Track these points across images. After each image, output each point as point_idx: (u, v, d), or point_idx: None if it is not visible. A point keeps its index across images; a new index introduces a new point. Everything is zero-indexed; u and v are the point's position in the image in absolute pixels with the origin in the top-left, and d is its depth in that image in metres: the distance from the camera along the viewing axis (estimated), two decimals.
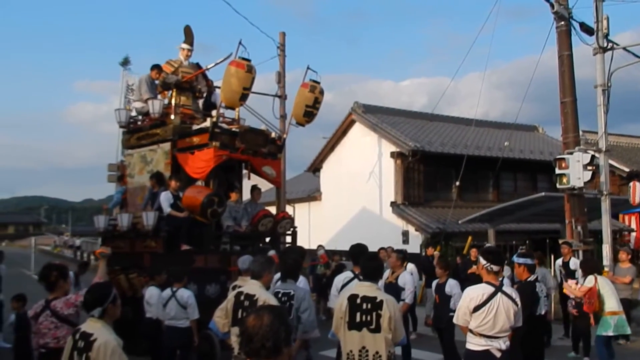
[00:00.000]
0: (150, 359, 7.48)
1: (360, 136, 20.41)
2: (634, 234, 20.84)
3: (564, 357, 8.69)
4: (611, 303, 7.48)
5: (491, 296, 4.42)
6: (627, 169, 22.01)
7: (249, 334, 2.34)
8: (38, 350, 4.66)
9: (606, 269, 10.97)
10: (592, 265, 8.14)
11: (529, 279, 5.85)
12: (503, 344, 4.40)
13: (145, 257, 8.71)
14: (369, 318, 4.35)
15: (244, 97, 8.83)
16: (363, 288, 4.50)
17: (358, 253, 5.65)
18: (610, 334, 7.45)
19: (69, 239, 51.97)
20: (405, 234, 17.34)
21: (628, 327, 7.62)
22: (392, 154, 18.61)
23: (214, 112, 9.38)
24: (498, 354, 4.38)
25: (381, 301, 4.36)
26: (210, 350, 7.73)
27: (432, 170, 19.08)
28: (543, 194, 13.73)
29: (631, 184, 13.04)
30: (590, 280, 7.57)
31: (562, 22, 11.86)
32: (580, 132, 12.77)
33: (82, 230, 58.81)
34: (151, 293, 7.38)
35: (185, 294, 6.99)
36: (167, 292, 7.06)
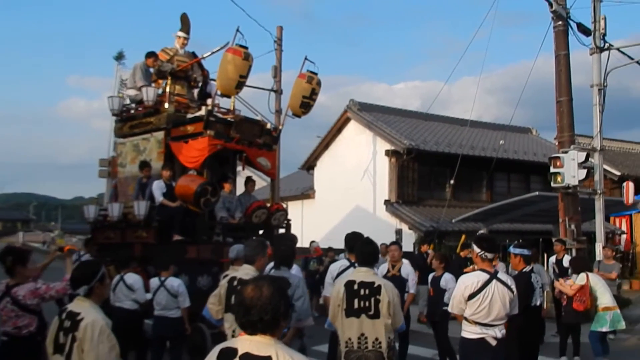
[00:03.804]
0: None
1: (355, 134, 20.33)
2: (624, 236, 20.92)
3: (557, 353, 8.63)
4: (605, 299, 7.47)
5: (486, 283, 4.36)
6: (618, 173, 22.10)
7: (246, 305, 2.23)
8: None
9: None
10: (583, 263, 8.12)
11: (524, 270, 5.81)
12: (499, 332, 4.33)
13: (137, 247, 8.57)
14: (367, 304, 4.26)
15: (240, 85, 8.71)
16: (360, 274, 4.41)
17: (354, 241, 5.54)
18: (606, 329, 7.42)
19: (57, 235, 51.37)
20: (399, 232, 17.25)
21: (623, 322, 7.60)
22: (387, 152, 18.54)
23: (209, 101, 9.26)
24: (494, 342, 4.31)
25: (379, 286, 4.27)
26: (201, 342, 7.61)
27: (427, 169, 19.03)
28: (537, 193, 13.70)
29: (625, 184, 13.09)
30: (582, 278, 7.54)
31: (560, 22, 11.88)
32: None
33: (72, 228, 58.22)
34: (134, 278, 7.11)
35: (175, 282, 6.86)
36: (155, 281, 6.92)
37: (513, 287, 4.42)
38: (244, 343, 2.23)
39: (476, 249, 4.53)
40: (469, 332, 4.40)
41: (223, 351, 2.27)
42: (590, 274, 7.66)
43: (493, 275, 4.39)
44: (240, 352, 2.21)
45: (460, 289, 4.43)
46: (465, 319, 4.40)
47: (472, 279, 4.42)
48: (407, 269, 7.59)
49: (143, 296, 7.02)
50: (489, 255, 4.46)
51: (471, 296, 4.33)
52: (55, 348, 3.40)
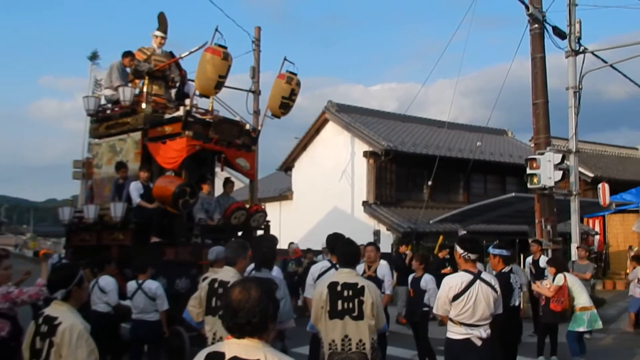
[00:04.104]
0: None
1: (333, 135, 20.33)
2: (597, 237, 21.31)
3: (534, 353, 8.72)
4: (582, 299, 7.59)
5: (470, 284, 4.36)
6: (591, 175, 22.50)
7: (233, 308, 2.17)
8: None
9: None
10: (560, 264, 8.22)
11: (503, 270, 5.84)
12: (484, 332, 4.34)
13: (113, 250, 8.42)
14: (351, 305, 4.22)
15: (219, 86, 8.63)
16: (343, 275, 4.38)
17: (335, 242, 5.52)
18: (583, 329, 7.52)
19: (29, 238, 50.30)
20: (377, 234, 17.28)
21: (600, 322, 7.71)
22: (365, 154, 18.58)
23: (187, 101, 9.16)
24: (479, 343, 4.32)
25: (362, 287, 4.25)
26: (180, 345, 7.52)
27: (404, 171, 19.11)
28: (513, 194, 13.84)
29: (600, 185, 13.31)
30: (560, 279, 7.62)
31: (536, 25, 12.03)
32: None
33: (44, 231, 57.13)
34: (107, 280, 7.02)
35: (153, 285, 6.76)
36: (133, 284, 6.80)
37: (497, 287, 4.43)
38: (232, 347, 2.17)
39: (459, 250, 4.53)
40: (455, 332, 4.40)
41: (210, 355, 2.22)
42: (567, 275, 7.76)
43: (477, 276, 4.39)
44: (227, 356, 2.16)
45: (444, 290, 4.43)
46: (451, 319, 4.40)
47: (456, 279, 4.42)
48: (383, 270, 7.57)
49: (115, 299, 6.92)
50: (472, 256, 4.47)
51: (455, 297, 4.33)
52: (31, 354, 3.32)
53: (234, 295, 2.19)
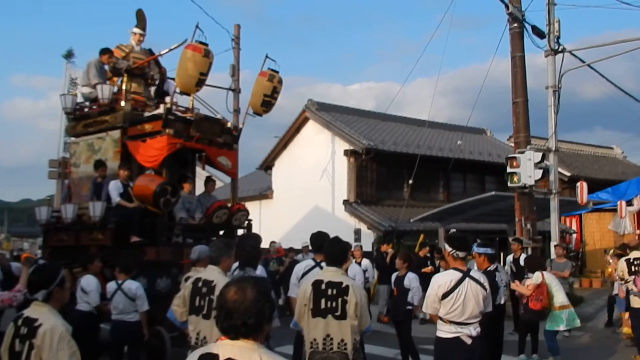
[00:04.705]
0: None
1: (313, 134, 20.28)
2: (574, 236, 21.63)
3: (514, 351, 8.79)
4: (560, 297, 7.59)
5: (459, 282, 4.35)
6: (568, 174, 22.83)
7: (228, 309, 2.10)
8: None
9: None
10: (537, 262, 8.25)
11: (489, 269, 5.85)
12: (473, 330, 4.33)
13: (92, 250, 8.23)
14: (334, 304, 4.16)
15: (200, 83, 8.50)
16: (328, 273, 4.32)
17: (320, 240, 5.47)
18: (562, 328, 7.54)
19: (3, 238, 49.12)
20: (358, 232, 17.28)
21: (578, 320, 7.76)
22: (346, 152, 18.56)
23: (167, 99, 9.02)
24: (469, 341, 4.30)
25: (347, 286, 4.19)
26: (160, 346, 7.41)
27: (385, 169, 19.14)
28: (493, 193, 13.95)
29: (578, 184, 13.49)
30: (537, 277, 7.63)
31: (516, 24, 12.15)
32: None
33: (19, 232, 56.06)
34: (89, 280, 6.87)
35: (132, 285, 6.64)
36: (112, 284, 6.68)
37: (486, 284, 4.42)
38: (226, 348, 2.11)
39: (448, 248, 4.51)
40: (444, 331, 4.37)
41: (203, 357, 2.15)
42: (545, 273, 7.75)
43: (466, 274, 4.38)
44: (221, 358, 2.09)
45: (433, 289, 4.40)
46: (440, 318, 4.37)
47: (445, 278, 4.40)
48: (354, 269, 7.60)
49: (96, 299, 6.78)
50: (461, 254, 4.45)
51: (445, 295, 4.31)
52: (10, 356, 3.21)
53: (229, 296, 2.12)
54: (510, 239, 11.83)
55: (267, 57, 9.79)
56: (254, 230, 10.45)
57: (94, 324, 6.93)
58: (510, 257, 10.95)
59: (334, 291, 4.19)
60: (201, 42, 8.27)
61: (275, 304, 2.32)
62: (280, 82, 9.89)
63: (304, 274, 5.66)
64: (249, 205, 22.38)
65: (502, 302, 6.16)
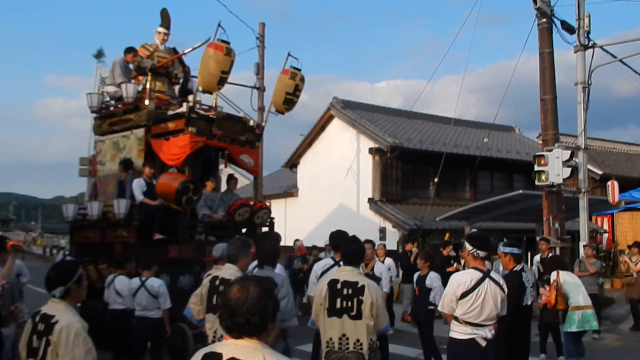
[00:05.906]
0: (115, 354, 7.11)
1: (338, 132, 20.23)
2: (606, 235, 21.11)
3: (537, 351, 8.60)
4: (575, 298, 7.21)
5: (479, 282, 4.25)
6: (599, 172, 22.28)
7: (231, 307, 2.08)
8: None
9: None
10: (554, 262, 8.00)
11: (515, 269, 5.69)
12: (489, 332, 4.22)
13: (117, 247, 8.37)
14: (349, 304, 4.12)
15: (222, 81, 8.52)
16: (344, 273, 4.28)
17: (338, 239, 5.42)
18: (575, 329, 7.17)
19: (37, 235, 50.24)
20: (383, 231, 17.19)
21: (595, 322, 7.33)
22: (371, 150, 18.46)
23: (190, 98, 9.08)
24: (484, 343, 4.20)
25: (363, 286, 4.14)
26: (183, 343, 7.45)
27: (410, 167, 18.98)
28: (520, 191, 13.72)
29: (609, 183, 13.13)
30: (552, 276, 7.40)
31: (544, 19, 11.87)
32: None
33: (52, 228, 57.44)
34: (122, 283, 7.04)
35: (155, 283, 6.71)
36: (136, 281, 6.77)
37: (505, 286, 4.31)
38: (229, 347, 2.09)
39: (468, 247, 4.41)
40: (459, 332, 4.27)
41: (207, 355, 2.13)
42: (561, 272, 7.41)
43: (486, 274, 4.27)
44: (225, 357, 2.08)
45: (452, 287, 4.29)
46: (455, 318, 4.27)
47: (465, 277, 4.30)
48: (380, 267, 7.50)
49: (131, 303, 6.87)
50: (482, 254, 4.34)
51: (464, 295, 4.20)
52: (28, 352, 3.25)
53: (232, 294, 2.11)
54: (537, 239, 11.58)
55: (289, 55, 9.79)
56: (279, 228, 10.47)
57: (128, 321, 7.04)
58: (537, 257, 10.74)
59: (350, 291, 4.15)
60: (223, 41, 8.29)
61: (279, 303, 2.29)
62: (302, 80, 9.87)
63: (322, 273, 5.63)
64: (274, 203, 22.54)
65: (529, 302, 5.96)
